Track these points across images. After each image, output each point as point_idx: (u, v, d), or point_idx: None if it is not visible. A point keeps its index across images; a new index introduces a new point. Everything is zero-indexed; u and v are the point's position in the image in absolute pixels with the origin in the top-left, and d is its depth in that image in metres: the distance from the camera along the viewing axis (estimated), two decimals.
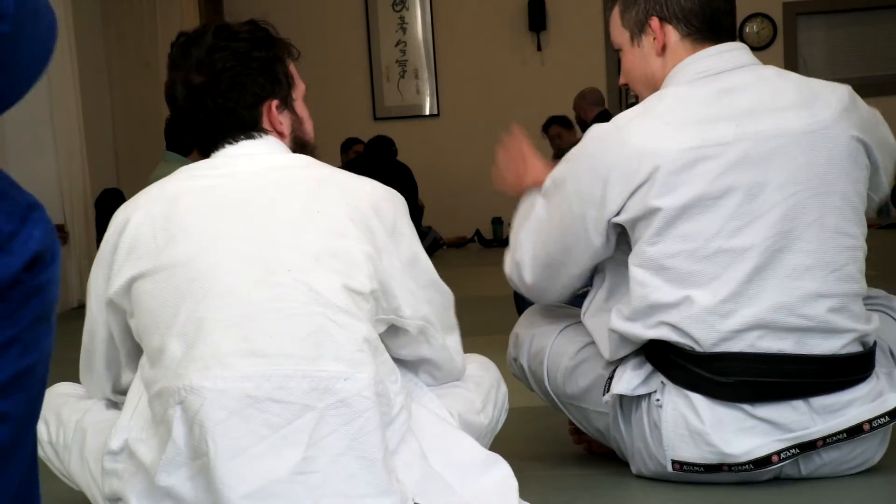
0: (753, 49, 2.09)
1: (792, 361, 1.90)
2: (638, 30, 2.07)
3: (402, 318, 1.72)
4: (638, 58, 2.09)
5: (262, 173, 1.71)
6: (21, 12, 0.89)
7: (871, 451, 1.99)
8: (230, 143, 1.75)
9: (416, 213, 8.24)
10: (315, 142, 1.86)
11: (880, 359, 2.01)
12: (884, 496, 1.96)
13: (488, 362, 2.03)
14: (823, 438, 1.92)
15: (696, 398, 1.92)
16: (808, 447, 1.92)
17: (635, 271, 1.95)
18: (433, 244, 8.51)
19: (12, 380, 0.94)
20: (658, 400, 1.96)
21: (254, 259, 1.60)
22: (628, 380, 1.99)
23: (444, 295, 1.83)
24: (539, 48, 9.46)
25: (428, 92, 9.66)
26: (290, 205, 1.66)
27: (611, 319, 2.00)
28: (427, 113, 9.68)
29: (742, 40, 2.06)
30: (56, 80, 5.95)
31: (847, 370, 1.93)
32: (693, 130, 1.90)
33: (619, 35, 2.11)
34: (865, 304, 2.02)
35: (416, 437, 1.68)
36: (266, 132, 1.76)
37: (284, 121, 1.78)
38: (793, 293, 1.90)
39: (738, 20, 8.97)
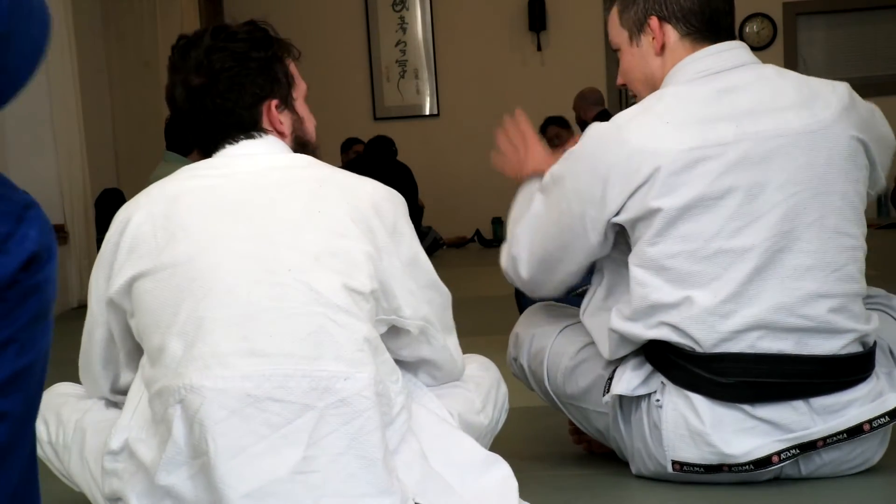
0: (753, 49, 2.09)
1: (792, 362, 1.90)
2: (637, 29, 2.06)
3: (402, 319, 1.72)
4: (636, 57, 2.08)
5: (262, 173, 1.71)
6: (16, 13, 0.89)
7: (871, 451, 1.99)
8: (230, 143, 1.75)
9: (416, 213, 8.24)
10: (317, 141, 1.86)
11: (880, 358, 2.01)
12: (884, 496, 1.96)
13: (488, 362, 2.03)
14: (823, 439, 1.92)
15: (696, 398, 1.92)
16: (808, 447, 1.92)
17: (636, 271, 1.95)
18: (433, 244, 8.51)
19: (10, 379, 0.94)
20: (658, 400, 1.96)
21: (254, 259, 1.60)
22: (628, 380, 1.99)
23: (444, 295, 1.83)
24: (539, 48, 9.46)
25: (428, 92, 9.66)
26: (290, 205, 1.66)
27: (611, 319, 2.00)
28: (427, 113, 9.68)
29: (742, 40, 2.06)
30: (56, 80, 5.95)
31: (847, 370, 1.93)
32: (693, 130, 1.90)
33: (618, 35, 2.11)
34: (865, 303, 2.02)
35: (416, 437, 1.68)
36: (266, 132, 1.76)
37: (285, 120, 1.78)
38: (793, 293, 1.90)
39: (739, 20, 8.99)
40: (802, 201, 1.90)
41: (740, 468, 1.92)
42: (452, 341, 1.87)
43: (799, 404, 1.91)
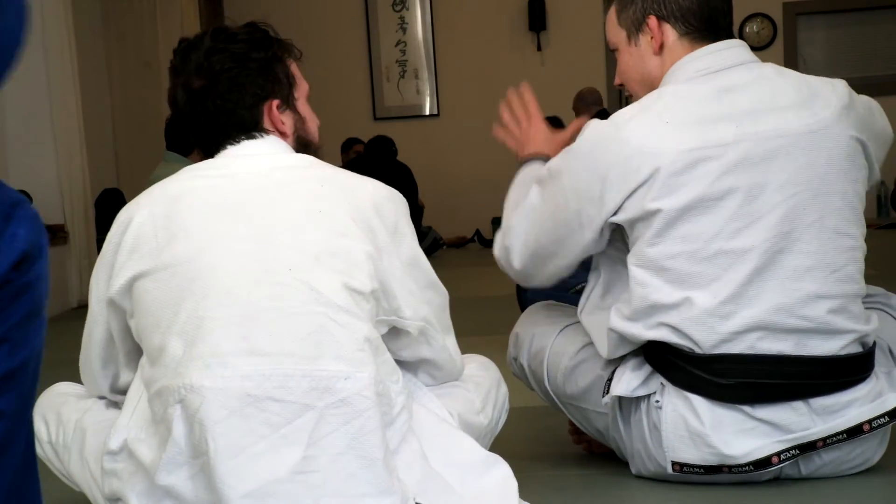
0: (753, 49, 2.09)
1: (792, 363, 1.90)
2: (635, 29, 2.06)
3: (402, 319, 1.72)
4: (635, 57, 2.08)
5: (263, 173, 1.71)
6: None
7: (870, 451, 1.99)
8: (232, 143, 1.76)
9: (416, 213, 8.24)
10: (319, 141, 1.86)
11: (880, 358, 2.01)
12: (884, 496, 1.96)
13: (488, 362, 2.03)
14: (823, 439, 1.91)
15: (696, 399, 1.92)
16: (808, 448, 1.92)
17: (635, 271, 1.95)
18: (433, 244, 8.50)
19: (4, 377, 0.94)
20: (658, 401, 1.96)
21: (254, 259, 1.60)
22: (628, 381, 1.98)
23: (442, 296, 1.83)
24: (539, 48, 9.46)
25: (428, 92, 9.66)
26: (291, 204, 1.66)
27: (610, 319, 1.99)
28: (427, 113, 9.68)
29: (742, 40, 2.06)
30: (56, 80, 5.95)
31: (847, 371, 1.93)
32: (693, 131, 1.90)
33: (616, 34, 2.10)
34: (864, 303, 2.02)
35: (416, 437, 1.68)
36: (268, 132, 1.77)
37: (286, 120, 1.78)
38: (793, 294, 1.90)
39: (738, 20, 8.99)
40: (802, 202, 1.90)
41: (740, 469, 1.92)
42: (451, 341, 1.87)
43: (799, 405, 1.91)
